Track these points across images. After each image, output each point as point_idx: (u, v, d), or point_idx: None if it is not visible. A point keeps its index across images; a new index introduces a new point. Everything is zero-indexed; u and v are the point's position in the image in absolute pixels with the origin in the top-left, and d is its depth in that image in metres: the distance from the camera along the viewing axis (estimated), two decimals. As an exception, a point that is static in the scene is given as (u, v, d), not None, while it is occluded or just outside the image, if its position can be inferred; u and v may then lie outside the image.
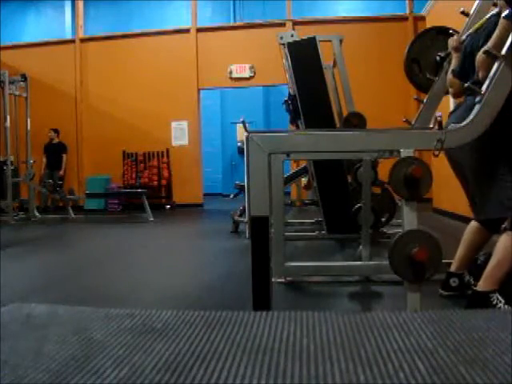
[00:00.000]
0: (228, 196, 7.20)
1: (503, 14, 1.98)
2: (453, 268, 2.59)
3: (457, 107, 2.70)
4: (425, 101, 3.26)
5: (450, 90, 2.69)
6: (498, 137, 2.15)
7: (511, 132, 2.18)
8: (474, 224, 2.51)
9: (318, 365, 0.51)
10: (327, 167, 4.64)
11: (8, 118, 7.70)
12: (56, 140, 9.51)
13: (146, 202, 7.50)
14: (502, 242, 2.23)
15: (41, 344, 0.60)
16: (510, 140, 2.21)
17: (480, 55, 2.18)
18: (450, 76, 2.66)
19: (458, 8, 2.83)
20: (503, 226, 2.28)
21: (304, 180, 7.39)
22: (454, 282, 2.58)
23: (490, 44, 2.09)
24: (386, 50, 8.66)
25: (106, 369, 0.51)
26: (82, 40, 10.11)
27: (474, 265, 2.54)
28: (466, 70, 2.43)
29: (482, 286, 2.26)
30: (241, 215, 5.60)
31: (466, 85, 1.93)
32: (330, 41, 5.29)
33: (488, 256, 2.36)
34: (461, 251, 2.54)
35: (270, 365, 0.51)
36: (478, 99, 1.90)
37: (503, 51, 1.88)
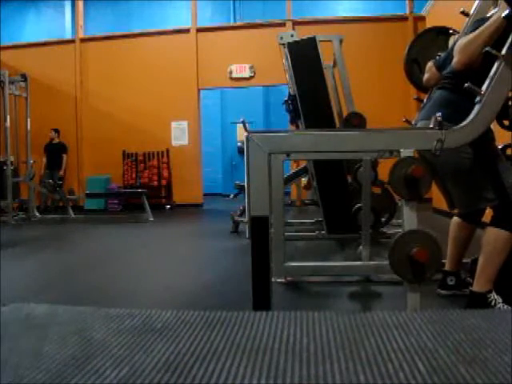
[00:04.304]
0: (228, 196, 7.20)
1: (503, 14, 1.98)
2: (447, 267, 2.60)
3: (425, 104, 2.73)
4: (425, 101, 3.26)
5: (425, 75, 2.72)
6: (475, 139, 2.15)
7: (486, 134, 2.18)
8: (455, 220, 2.55)
9: (318, 365, 0.51)
10: (327, 167, 4.64)
11: (8, 118, 7.70)
12: (56, 140, 9.51)
13: (146, 202, 7.50)
14: (487, 238, 2.25)
15: (41, 344, 0.60)
16: (483, 142, 2.20)
17: (462, 40, 2.20)
18: (430, 64, 2.69)
19: (457, 8, 2.83)
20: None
21: (304, 180, 7.38)
22: (451, 280, 2.60)
23: (477, 32, 2.10)
24: (386, 50, 8.66)
25: (106, 369, 0.51)
26: (82, 40, 10.11)
27: (475, 266, 2.55)
28: (447, 64, 2.45)
29: (476, 286, 2.27)
30: (241, 215, 5.60)
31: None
32: (330, 41, 5.29)
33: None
34: (450, 249, 2.57)
35: (270, 365, 0.51)
36: (477, 99, 1.90)
37: (503, 51, 1.88)
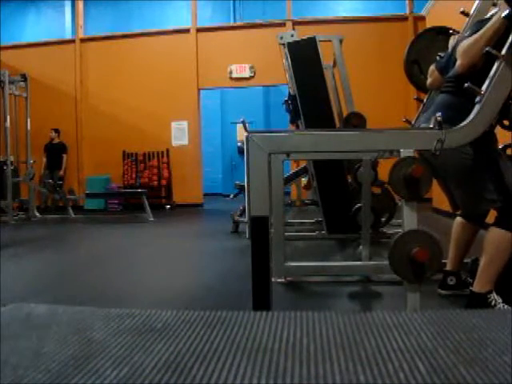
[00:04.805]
0: (228, 196, 7.20)
1: (503, 14, 1.98)
2: (448, 267, 2.60)
3: (425, 106, 2.74)
4: (425, 101, 3.26)
5: (429, 79, 2.73)
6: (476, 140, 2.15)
7: (488, 135, 2.17)
8: (458, 220, 2.55)
9: (318, 365, 0.51)
10: (327, 167, 4.63)
11: (8, 118, 7.70)
12: (56, 140, 9.51)
13: (146, 202, 7.50)
14: (489, 239, 2.25)
15: (41, 344, 0.60)
16: (485, 142, 2.20)
17: (464, 42, 2.20)
18: (432, 67, 2.70)
19: (457, 8, 2.83)
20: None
21: (304, 180, 7.38)
22: (451, 280, 2.59)
23: (478, 34, 2.10)
24: (386, 50, 8.66)
25: (106, 369, 0.51)
26: (82, 40, 10.11)
27: (475, 266, 2.55)
28: (449, 66, 2.45)
29: (476, 286, 2.27)
30: (241, 215, 5.60)
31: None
32: (330, 41, 5.29)
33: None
34: (452, 249, 2.56)
35: (270, 365, 0.51)
36: (477, 99, 1.90)
37: (503, 51, 1.88)
